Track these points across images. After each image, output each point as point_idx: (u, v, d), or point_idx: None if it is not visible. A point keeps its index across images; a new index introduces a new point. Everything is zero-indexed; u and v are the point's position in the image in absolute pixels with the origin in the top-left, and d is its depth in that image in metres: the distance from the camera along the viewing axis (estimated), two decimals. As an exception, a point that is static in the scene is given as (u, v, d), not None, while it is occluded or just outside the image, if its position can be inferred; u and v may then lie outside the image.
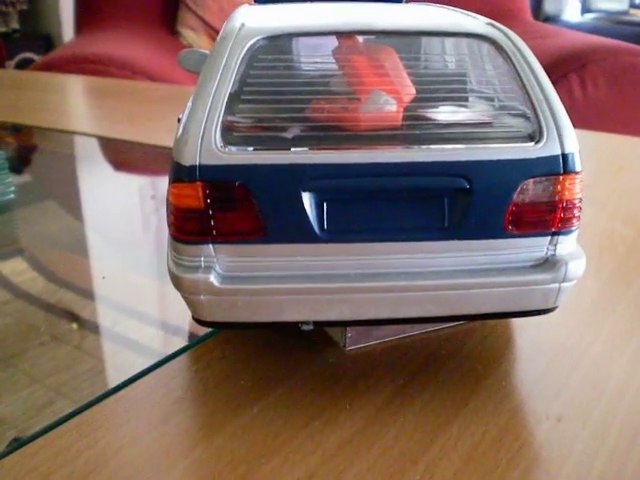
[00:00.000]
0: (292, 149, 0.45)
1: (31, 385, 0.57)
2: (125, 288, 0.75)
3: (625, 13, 3.83)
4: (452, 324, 0.59)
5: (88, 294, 0.77)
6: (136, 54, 2.11)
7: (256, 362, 0.55)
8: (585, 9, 3.85)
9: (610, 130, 1.38)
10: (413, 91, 0.49)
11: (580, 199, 0.48)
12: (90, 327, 0.69)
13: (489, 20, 0.51)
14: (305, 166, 0.45)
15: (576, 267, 0.48)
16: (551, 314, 0.58)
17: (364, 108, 0.48)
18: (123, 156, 1.24)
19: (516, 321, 0.61)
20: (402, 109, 0.48)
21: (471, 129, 0.47)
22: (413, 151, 0.46)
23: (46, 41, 3.56)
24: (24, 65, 2.81)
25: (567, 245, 0.49)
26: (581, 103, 1.97)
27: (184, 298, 0.48)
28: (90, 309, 0.73)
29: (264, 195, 0.45)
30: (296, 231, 0.46)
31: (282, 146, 0.46)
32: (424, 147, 0.46)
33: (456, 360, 0.55)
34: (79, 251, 0.88)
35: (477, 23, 0.50)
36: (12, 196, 1.00)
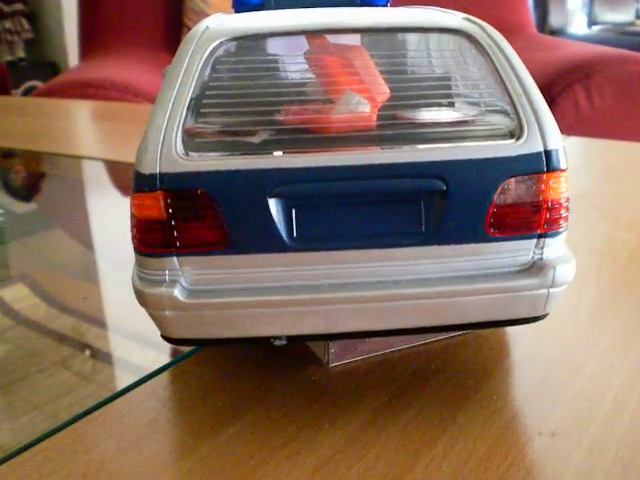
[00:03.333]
0: (256, 154, 0.43)
1: (30, 412, 0.55)
2: (130, 312, 0.73)
3: (631, 24, 3.80)
4: (442, 336, 0.56)
5: (90, 319, 0.75)
6: (138, 77, 2.11)
7: (235, 381, 0.53)
8: (591, 21, 3.83)
9: (617, 139, 1.35)
10: (387, 91, 0.47)
11: (567, 199, 0.45)
12: (92, 352, 0.67)
13: (466, 15, 0.49)
14: (270, 171, 0.42)
15: (565, 271, 0.45)
16: (549, 323, 0.56)
17: (336, 110, 0.46)
18: (127, 179, 1.22)
19: (512, 331, 0.58)
20: (376, 110, 0.46)
21: (448, 128, 0.45)
22: (385, 152, 0.43)
23: (52, 69, 3.58)
24: (30, 93, 2.83)
25: (555, 248, 0.46)
26: (587, 113, 1.94)
27: (149, 315, 0.46)
28: (92, 333, 0.71)
29: (229, 203, 0.43)
30: (264, 240, 0.43)
31: (247, 151, 0.43)
32: (397, 148, 0.43)
33: (446, 374, 0.52)
34: (82, 276, 0.87)
35: (453, 18, 0.47)
36: (1, 219, 0.98)
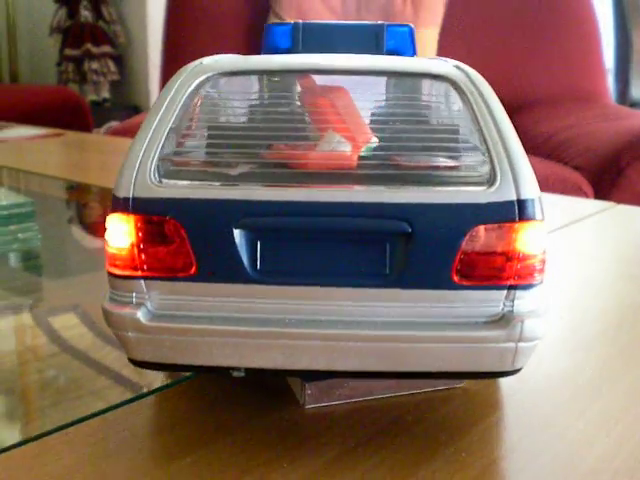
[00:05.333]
0: (225, 185, 0.44)
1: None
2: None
3: None
4: (428, 389, 0.55)
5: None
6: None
7: (208, 413, 0.53)
8: (677, 96, 3.74)
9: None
10: (369, 132, 0.47)
11: (542, 250, 0.44)
12: (127, 384, 0.67)
13: (458, 63, 0.48)
14: (236, 202, 0.43)
15: (534, 326, 0.43)
16: (544, 383, 0.54)
17: (317, 148, 0.46)
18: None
19: (503, 388, 0.56)
20: (357, 150, 0.46)
21: (421, 171, 0.45)
22: (351, 191, 0.43)
23: (135, 111, 3.73)
24: (107, 131, 2.95)
25: (528, 302, 0.44)
26: (657, 185, 1.89)
27: (115, 335, 0.46)
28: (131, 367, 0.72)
29: (196, 231, 0.43)
30: (228, 270, 0.44)
31: (218, 182, 0.44)
32: (364, 187, 0.43)
33: (421, 427, 0.51)
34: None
35: (440, 65, 0.47)
36: (38, 243, 1.01)
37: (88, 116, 2.98)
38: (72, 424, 0.52)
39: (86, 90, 3.96)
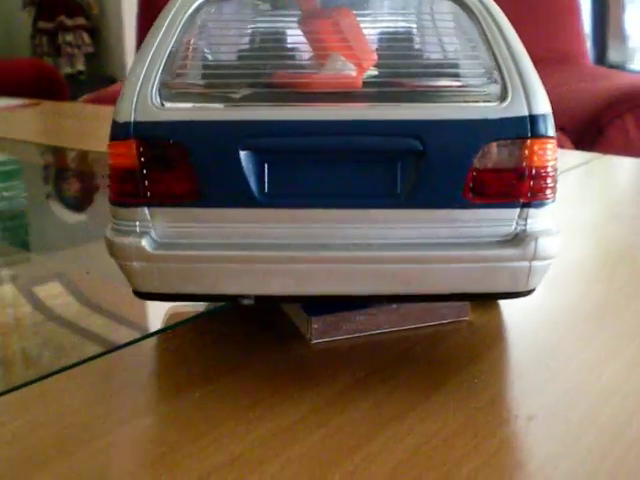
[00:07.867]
0: (229, 106, 0.42)
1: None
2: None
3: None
4: (433, 323, 0.54)
5: (118, 318, 0.75)
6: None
7: (216, 351, 0.52)
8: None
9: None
10: (374, 55, 0.46)
11: (554, 167, 0.43)
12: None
13: None
14: (242, 123, 0.42)
15: (548, 244, 0.43)
16: (549, 314, 0.54)
17: (322, 72, 0.45)
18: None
19: (508, 321, 0.56)
20: (362, 72, 0.45)
21: (432, 90, 0.44)
22: (360, 109, 0.42)
23: (110, 83, 3.65)
24: (81, 98, 2.89)
25: (541, 220, 0.43)
26: (637, 143, 1.89)
27: (119, 266, 0.45)
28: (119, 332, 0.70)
29: (200, 154, 0.42)
30: (234, 194, 0.42)
31: (221, 103, 0.43)
32: (374, 105, 0.42)
33: (430, 357, 0.50)
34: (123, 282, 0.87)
35: None
36: (24, 202, 0.99)
37: (63, 89, 2.92)
38: (72, 366, 0.51)
39: (61, 63, 3.86)
